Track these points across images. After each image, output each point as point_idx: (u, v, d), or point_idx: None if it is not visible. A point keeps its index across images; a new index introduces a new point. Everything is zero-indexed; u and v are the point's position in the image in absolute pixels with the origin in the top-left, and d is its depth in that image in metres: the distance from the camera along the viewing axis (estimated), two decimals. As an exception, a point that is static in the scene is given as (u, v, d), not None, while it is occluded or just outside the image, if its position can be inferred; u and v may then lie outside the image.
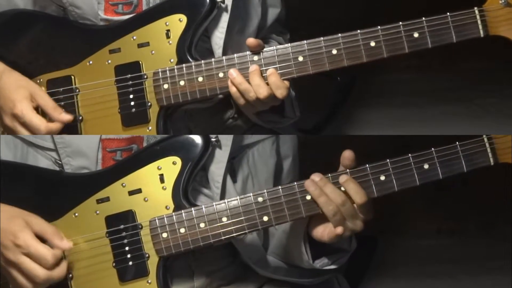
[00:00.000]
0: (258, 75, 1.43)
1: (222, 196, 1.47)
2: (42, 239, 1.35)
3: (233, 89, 1.44)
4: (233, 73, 1.44)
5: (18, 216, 1.36)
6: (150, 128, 1.47)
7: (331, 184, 1.37)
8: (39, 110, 1.45)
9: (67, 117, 1.45)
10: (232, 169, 1.52)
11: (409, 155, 1.40)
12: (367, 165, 1.39)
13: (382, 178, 1.39)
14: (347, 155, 1.38)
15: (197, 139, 1.43)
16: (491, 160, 1.40)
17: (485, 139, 1.40)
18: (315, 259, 1.47)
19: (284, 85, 1.43)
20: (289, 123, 1.64)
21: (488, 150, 1.39)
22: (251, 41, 1.44)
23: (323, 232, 1.40)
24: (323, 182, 1.37)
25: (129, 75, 1.47)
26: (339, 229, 1.37)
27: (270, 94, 1.43)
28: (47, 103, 1.44)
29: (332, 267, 1.48)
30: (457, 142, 1.40)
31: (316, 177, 1.38)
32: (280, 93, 1.43)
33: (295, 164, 1.66)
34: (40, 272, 1.32)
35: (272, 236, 1.57)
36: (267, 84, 1.43)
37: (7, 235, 1.33)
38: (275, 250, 1.57)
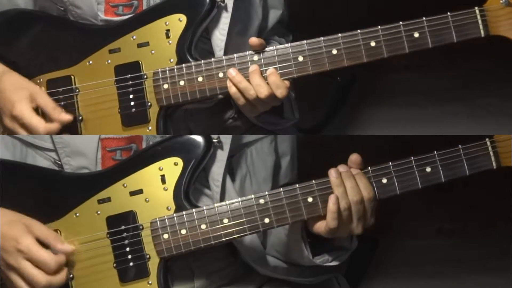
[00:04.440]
0: (258, 75, 1.43)
1: (222, 195, 1.48)
2: (43, 245, 1.35)
3: (232, 90, 1.44)
4: (232, 72, 1.44)
5: (18, 221, 1.36)
6: (150, 128, 1.47)
7: (354, 180, 1.37)
8: (39, 111, 1.45)
9: (66, 117, 1.44)
10: (230, 168, 1.52)
11: (411, 158, 1.40)
12: (369, 168, 1.40)
13: (384, 181, 1.39)
14: (354, 159, 1.39)
15: (199, 139, 1.43)
16: (494, 164, 1.40)
17: (488, 143, 1.40)
18: (315, 256, 1.47)
19: (284, 84, 1.43)
20: (288, 125, 1.64)
21: (491, 153, 1.40)
22: (253, 40, 1.43)
23: (321, 225, 1.40)
24: (348, 175, 1.38)
25: (129, 75, 1.47)
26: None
27: (270, 94, 1.42)
28: (47, 103, 1.44)
29: (333, 263, 1.49)
30: (459, 146, 1.40)
31: (342, 168, 1.39)
32: (280, 92, 1.43)
33: (293, 163, 1.66)
34: (41, 277, 1.32)
35: (270, 233, 1.58)
36: (267, 83, 1.43)
37: (9, 240, 1.33)
38: (275, 247, 1.58)
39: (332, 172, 1.39)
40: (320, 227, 1.40)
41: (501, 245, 2.64)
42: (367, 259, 2.48)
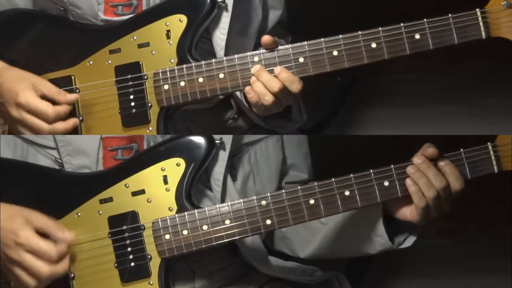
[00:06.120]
0: (265, 71, 1.42)
1: (223, 195, 1.48)
2: (44, 234, 1.34)
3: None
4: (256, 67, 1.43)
5: (17, 214, 1.35)
6: (150, 128, 1.47)
7: (434, 168, 1.37)
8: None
9: (72, 97, 1.44)
10: (232, 167, 1.52)
11: (412, 160, 1.39)
12: (371, 171, 1.39)
13: (386, 183, 1.39)
14: (430, 152, 1.39)
15: (201, 140, 1.43)
16: (495, 168, 1.40)
17: (490, 147, 1.40)
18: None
19: (297, 78, 1.42)
20: (295, 127, 1.62)
21: (492, 157, 1.40)
22: (266, 38, 1.42)
23: (412, 212, 1.40)
24: (426, 165, 1.37)
25: (130, 76, 1.47)
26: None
27: (282, 87, 1.41)
28: (50, 89, 1.43)
29: (408, 244, 1.51)
30: (461, 149, 1.40)
31: (418, 159, 1.38)
32: (295, 87, 1.41)
33: (307, 160, 1.68)
34: (43, 268, 1.32)
35: (318, 232, 1.57)
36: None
37: (8, 234, 1.33)
38: (324, 244, 1.57)
39: (409, 168, 1.38)
40: (411, 214, 1.41)
41: (501, 245, 2.64)
42: (367, 259, 2.48)
